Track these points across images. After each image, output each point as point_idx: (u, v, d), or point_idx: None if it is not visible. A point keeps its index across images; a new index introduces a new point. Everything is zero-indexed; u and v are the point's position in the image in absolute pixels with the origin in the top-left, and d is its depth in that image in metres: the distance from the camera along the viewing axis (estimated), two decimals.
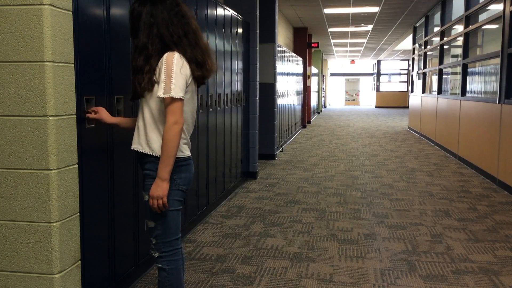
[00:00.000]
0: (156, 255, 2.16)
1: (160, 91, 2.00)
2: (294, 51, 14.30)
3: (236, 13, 5.56)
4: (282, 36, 12.22)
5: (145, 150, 2.10)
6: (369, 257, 3.53)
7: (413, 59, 14.56)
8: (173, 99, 1.99)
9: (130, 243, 2.98)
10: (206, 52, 2.16)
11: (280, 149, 9.21)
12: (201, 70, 2.13)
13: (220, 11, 4.88)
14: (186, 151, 2.15)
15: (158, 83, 2.04)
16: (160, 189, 2.02)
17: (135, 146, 2.15)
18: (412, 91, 14.57)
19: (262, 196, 5.50)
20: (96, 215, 2.55)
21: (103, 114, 2.41)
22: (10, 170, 2.08)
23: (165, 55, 2.04)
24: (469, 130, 7.51)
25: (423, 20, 12.51)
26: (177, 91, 1.99)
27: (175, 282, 2.18)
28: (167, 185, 2.05)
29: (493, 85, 6.59)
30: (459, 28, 8.71)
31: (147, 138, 2.10)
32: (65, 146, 2.12)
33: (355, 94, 35.85)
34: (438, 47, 10.40)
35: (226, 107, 5.20)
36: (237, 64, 5.68)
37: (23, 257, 2.11)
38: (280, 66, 8.80)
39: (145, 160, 2.12)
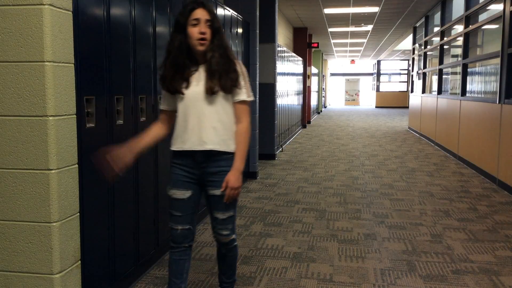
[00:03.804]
0: (234, 236, 2.46)
1: (243, 95, 2.29)
2: (294, 51, 14.30)
3: (236, 13, 5.56)
4: (282, 36, 12.22)
5: (230, 148, 2.29)
6: (369, 257, 3.53)
7: (413, 59, 14.56)
8: (249, 101, 2.33)
9: (130, 243, 2.98)
10: None
11: (280, 149, 9.21)
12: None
13: (220, 11, 4.88)
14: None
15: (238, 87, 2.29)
16: (240, 180, 2.29)
17: (214, 146, 2.26)
18: (412, 91, 14.57)
19: (262, 196, 5.50)
20: (96, 215, 2.55)
21: (120, 153, 2.27)
22: (10, 170, 2.08)
23: (240, 63, 2.33)
24: (469, 130, 7.51)
25: (423, 20, 12.51)
26: (252, 95, 2.36)
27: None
28: None
29: (493, 85, 6.59)
30: (459, 28, 8.71)
31: (226, 137, 2.28)
32: (65, 146, 2.13)
33: (355, 94, 35.83)
34: (438, 47, 10.40)
35: None
36: None
37: (23, 257, 2.11)
38: (280, 66, 8.80)
39: (220, 157, 2.29)
